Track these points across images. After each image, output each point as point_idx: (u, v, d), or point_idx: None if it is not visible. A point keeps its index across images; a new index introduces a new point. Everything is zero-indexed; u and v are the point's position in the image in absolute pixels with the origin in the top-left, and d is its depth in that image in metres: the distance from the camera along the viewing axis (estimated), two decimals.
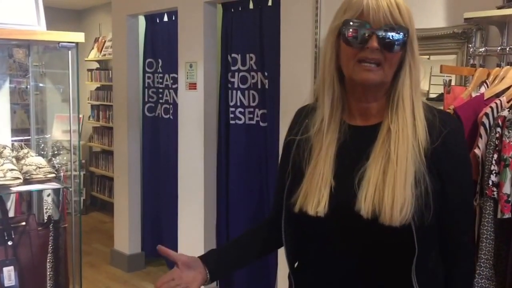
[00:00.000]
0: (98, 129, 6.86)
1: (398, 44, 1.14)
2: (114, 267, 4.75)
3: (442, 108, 1.87)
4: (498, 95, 1.83)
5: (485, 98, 1.83)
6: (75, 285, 2.25)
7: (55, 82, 2.73)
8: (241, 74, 3.69)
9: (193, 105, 3.88)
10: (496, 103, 1.76)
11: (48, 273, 2.16)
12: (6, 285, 2.01)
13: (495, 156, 1.67)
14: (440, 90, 2.16)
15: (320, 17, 2.95)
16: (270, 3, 3.46)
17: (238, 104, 3.73)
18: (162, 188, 4.54)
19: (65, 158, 2.47)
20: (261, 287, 3.70)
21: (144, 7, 4.37)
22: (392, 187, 1.13)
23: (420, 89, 1.22)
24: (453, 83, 2.18)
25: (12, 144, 2.42)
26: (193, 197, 3.94)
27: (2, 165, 2.07)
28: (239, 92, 3.72)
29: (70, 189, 2.22)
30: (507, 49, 2.00)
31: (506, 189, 1.63)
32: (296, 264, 1.35)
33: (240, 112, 3.73)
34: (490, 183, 1.66)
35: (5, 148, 2.24)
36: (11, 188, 2.08)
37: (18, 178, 2.07)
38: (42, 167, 2.18)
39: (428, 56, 2.49)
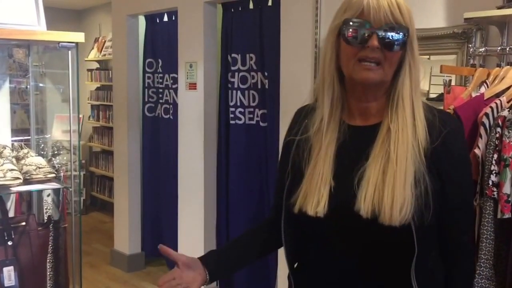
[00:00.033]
0: (98, 129, 6.86)
1: (398, 44, 1.14)
2: (114, 267, 4.75)
3: (442, 108, 1.87)
4: (498, 95, 1.83)
5: (485, 98, 1.83)
6: (75, 285, 2.25)
7: (55, 82, 2.73)
8: (241, 74, 3.69)
9: (193, 105, 3.88)
10: (496, 103, 1.76)
11: (48, 273, 2.16)
12: (6, 285, 2.01)
13: (495, 156, 1.67)
14: (440, 90, 2.16)
15: (320, 17, 2.95)
16: (270, 3, 3.46)
17: (238, 104, 3.73)
18: (162, 188, 4.54)
19: (65, 158, 2.46)
20: (261, 287, 3.70)
21: (144, 7, 4.37)
22: (391, 187, 1.13)
23: (420, 89, 1.22)
24: (453, 83, 2.18)
25: (12, 144, 2.42)
26: (193, 197, 3.94)
27: (2, 165, 2.08)
28: (239, 92, 3.71)
29: (70, 189, 2.22)
30: (507, 49, 2.00)
31: (506, 189, 1.63)
32: (296, 264, 1.35)
33: (240, 112, 3.73)
34: (490, 183, 1.66)
35: (5, 148, 2.24)
36: (11, 188, 2.08)
37: (18, 178, 2.08)
38: (42, 167, 2.18)
39: (428, 56, 2.49)
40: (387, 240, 1.16)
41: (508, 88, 1.83)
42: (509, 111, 1.70)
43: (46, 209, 2.40)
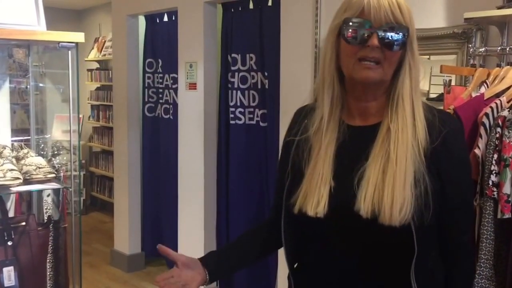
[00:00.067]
0: (98, 129, 6.86)
1: (398, 43, 1.14)
2: (114, 267, 4.75)
3: (442, 108, 1.87)
4: (498, 95, 1.83)
5: (485, 98, 1.83)
6: (75, 285, 2.25)
7: (55, 82, 2.73)
8: (241, 74, 3.69)
9: (193, 105, 3.88)
10: (496, 103, 1.76)
11: (48, 273, 2.16)
12: (6, 285, 2.00)
13: (495, 156, 1.67)
14: (440, 90, 2.16)
15: (320, 17, 2.95)
16: (270, 3, 3.46)
17: (238, 104, 3.73)
18: (162, 188, 4.54)
19: (65, 158, 2.46)
20: (261, 287, 3.70)
21: (144, 7, 4.37)
22: (391, 187, 1.13)
23: (420, 89, 1.22)
24: (453, 83, 2.18)
25: (12, 144, 2.42)
26: (193, 197, 3.94)
27: (2, 165, 2.08)
28: (239, 92, 3.71)
29: (70, 189, 2.22)
30: (507, 49, 2.00)
31: (506, 189, 1.63)
32: (296, 265, 1.34)
33: (240, 112, 3.73)
34: (490, 183, 1.66)
35: (5, 148, 2.24)
36: (11, 188, 2.08)
37: (18, 178, 2.08)
38: (42, 167, 2.18)
39: (428, 56, 2.49)
40: (387, 240, 1.16)
41: (508, 88, 1.83)
42: (509, 111, 1.70)
43: (46, 209, 2.40)
